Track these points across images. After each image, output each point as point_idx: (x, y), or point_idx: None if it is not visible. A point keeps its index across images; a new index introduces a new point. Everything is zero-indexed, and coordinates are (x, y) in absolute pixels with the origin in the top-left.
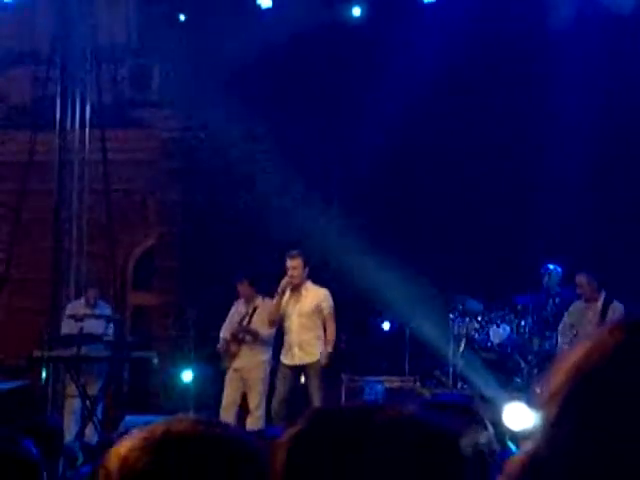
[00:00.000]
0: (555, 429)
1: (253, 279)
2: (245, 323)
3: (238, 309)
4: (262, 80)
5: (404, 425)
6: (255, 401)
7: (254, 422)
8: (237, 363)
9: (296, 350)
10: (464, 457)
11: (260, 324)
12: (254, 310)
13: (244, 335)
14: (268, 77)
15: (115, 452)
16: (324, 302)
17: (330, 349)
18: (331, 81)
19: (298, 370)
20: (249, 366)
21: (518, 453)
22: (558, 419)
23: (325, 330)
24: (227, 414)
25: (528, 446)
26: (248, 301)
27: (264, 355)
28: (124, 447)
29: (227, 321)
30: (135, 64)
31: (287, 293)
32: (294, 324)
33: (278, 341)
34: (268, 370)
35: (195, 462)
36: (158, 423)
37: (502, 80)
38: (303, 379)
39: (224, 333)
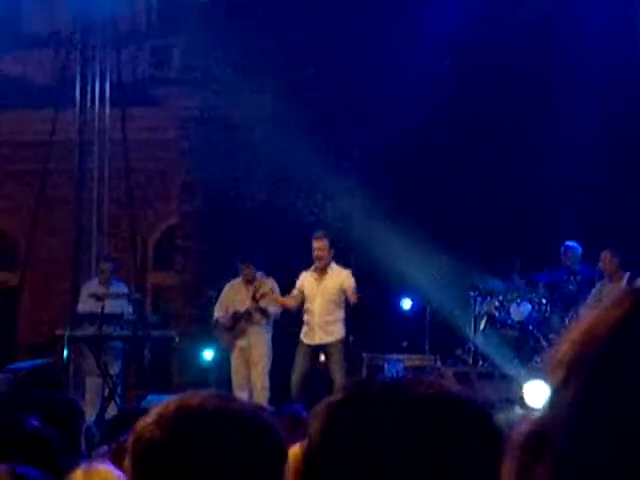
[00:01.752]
0: (560, 393)
1: (253, 260)
2: (255, 301)
3: (237, 289)
4: (281, 57)
5: (441, 398)
6: (260, 378)
7: (259, 399)
8: (243, 341)
9: (317, 330)
10: (499, 432)
11: (266, 302)
12: (256, 288)
13: (252, 313)
14: (287, 55)
15: (133, 430)
16: (346, 283)
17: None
18: (353, 56)
19: (318, 349)
20: (255, 343)
21: (524, 422)
22: (564, 383)
23: (346, 310)
24: (241, 393)
25: (534, 416)
26: (250, 281)
27: (268, 333)
28: (139, 424)
29: (221, 302)
30: (155, 43)
31: (309, 274)
32: (317, 305)
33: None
34: (271, 348)
35: (209, 435)
36: (172, 399)
37: (521, 54)
38: (323, 358)
39: (220, 312)
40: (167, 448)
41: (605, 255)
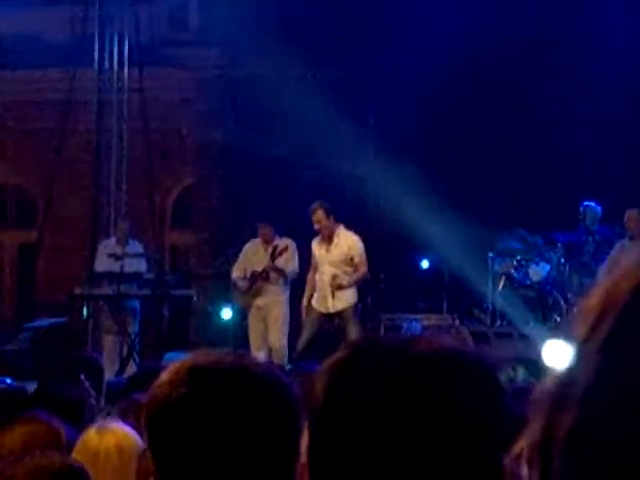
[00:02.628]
0: (584, 348)
1: (272, 221)
2: (272, 261)
3: (255, 249)
4: (301, 17)
5: (446, 354)
6: (277, 338)
7: (277, 358)
8: (260, 301)
9: (330, 299)
10: (503, 389)
11: (283, 263)
12: (275, 249)
13: (269, 273)
14: (307, 14)
15: (149, 390)
16: (354, 250)
17: (355, 282)
18: (372, 18)
19: (330, 317)
20: (272, 303)
21: (547, 378)
22: (587, 338)
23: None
24: (259, 353)
25: (556, 373)
26: (268, 242)
27: (285, 293)
28: (154, 384)
29: (240, 261)
30: (173, 2)
31: (317, 243)
32: (326, 273)
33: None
34: (288, 308)
35: (223, 393)
36: (186, 357)
37: (547, 19)
38: (337, 322)
39: (238, 272)
40: (181, 407)
41: (631, 213)
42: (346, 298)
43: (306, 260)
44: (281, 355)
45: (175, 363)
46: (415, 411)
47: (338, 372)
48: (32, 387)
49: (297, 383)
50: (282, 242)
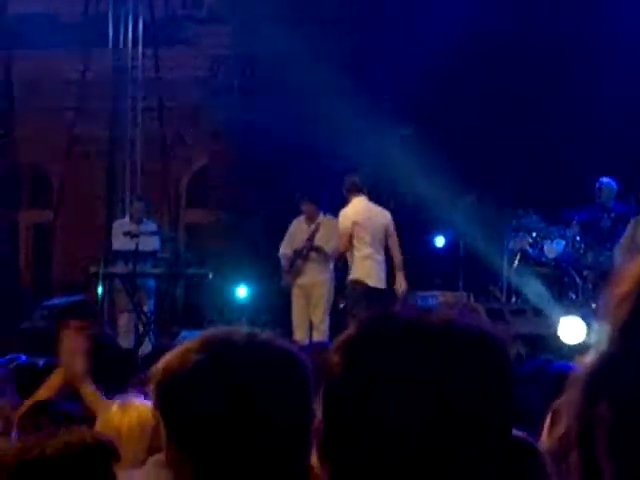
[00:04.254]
0: (627, 331)
1: (315, 198)
2: (310, 240)
3: (300, 227)
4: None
5: (456, 327)
6: (320, 316)
7: (318, 336)
8: (301, 280)
9: None
10: (510, 361)
11: (324, 241)
12: (317, 227)
13: (309, 252)
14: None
15: (159, 365)
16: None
17: None
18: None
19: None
20: (313, 282)
21: (581, 365)
22: (629, 321)
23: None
24: (300, 331)
25: (591, 356)
26: (311, 219)
27: (328, 272)
28: (169, 353)
29: (286, 238)
30: None
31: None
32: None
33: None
34: (332, 286)
35: (236, 362)
36: (199, 334)
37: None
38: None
39: (284, 250)
40: (195, 373)
41: None
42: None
43: None
44: (322, 333)
45: (189, 340)
46: (427, 383)
47: (352, 347)
48: (41, 362)
49: (311, 358)
50: (326, 220)
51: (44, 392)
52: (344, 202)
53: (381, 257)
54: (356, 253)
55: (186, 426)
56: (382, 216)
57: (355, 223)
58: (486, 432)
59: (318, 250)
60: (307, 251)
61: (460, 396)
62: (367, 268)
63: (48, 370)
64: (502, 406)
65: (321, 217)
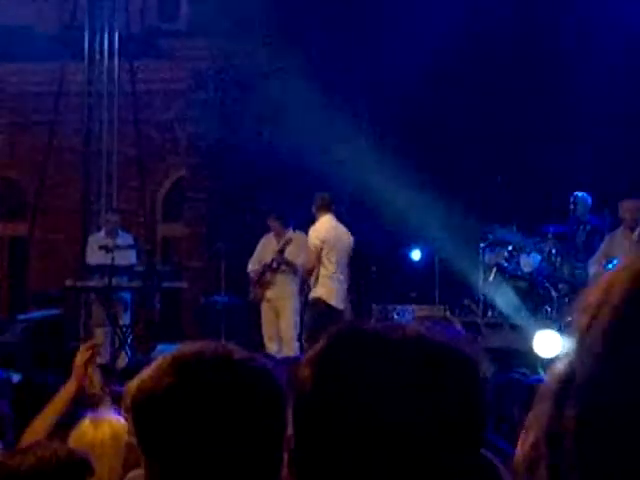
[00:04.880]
0: (584, 340)
1: (281, 215)
2: (281, 253)
3: (269, 242)
4: (292, 8)
5: (424, 339)
6: (289, 330)
7: (289, 350)
8: (270, 293)
9: None
10: (478, 373)
11: (294, 256)
12: (287, 242)
13: (279, 265)
14: (298, 5)
15: (132, 383)
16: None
17: None
18: (363, 6)
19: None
20: (282, 295)
21: (549, 374)
22: (587, 330)
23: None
24: (271, 344)
25: (558, 366)
26: (279, 235)
27: (295, 286)
28: (140, 375)
29: (255, 255)
30: None
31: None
32: None
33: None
34: (298, 300)
35: (207, 382)
36: (173, 350)
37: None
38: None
39: (252, 266)
40: (167, 397)
41: (628, 205)
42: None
43: None
44: (291, 346)
45: (161, 356)
46: (395, 395)
47: (321, 361)
48: (17, 378)
49: (285, 371)
50: (294, 235)
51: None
52: (313, 219)
53: (344, 277)
54: (322, 271)
55: (161, 446)
56: (347, 236)
57: (324, 241)
58: (454, 443)
59: (288, 264)
60: (277, 264)
61: (428, 407)
62: (330, 287)
63: (26, 386)
64: (470, 417)
65: (290, 233)
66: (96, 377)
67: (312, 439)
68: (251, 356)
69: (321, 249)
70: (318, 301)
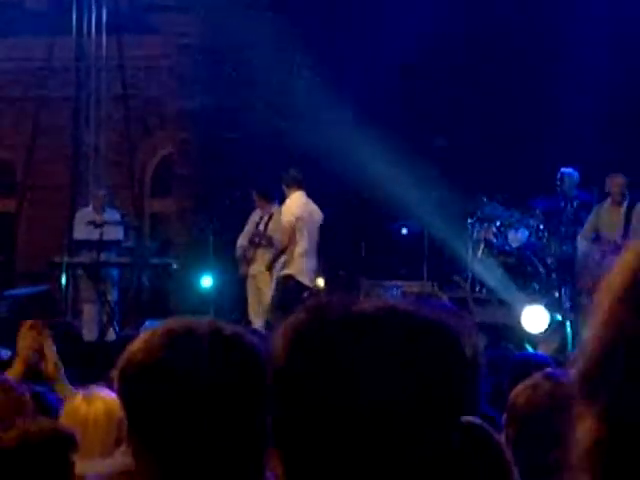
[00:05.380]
0: (605, 333)
1: (264, 190)
2: (261, 230)
3: (254, 217)
4: None
5: (401, 315)
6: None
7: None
8: (253, 269)
9: None
10: (458, 348)
11: (275, 231)
12: (270, 217)
13: (260, 241)
14: None
15: (122, 355)
16: None
17: None
18: None
19: None
20: (262, 271)
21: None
22: (607, 324)
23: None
24: (257, 320)
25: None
26: (264, 210)
27: (277, 262)
28: (129, 348)
29: (245, 230)
30: None
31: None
32: None
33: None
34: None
35: (195, 355)
36: (161, 324)
37: None
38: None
39: (241, 241)
40: (157, 369)
41: (617, 180)
42: None
43: None
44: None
45: (150, 329)
46: (375, 371)
47: (296, 333)
48: (7, 354)
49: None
50: (277, 210)
51: None
52: (282, 195)
53: (314, 254)
54: (294, 248)
55: (148, 419)
56: (318, 213)
57: (298, 218)
58: (430, 417)
59: (269, 239)
60: (259, 240)
61: (404, 380)
62: (301, 265)
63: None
64: (446, 391)
65: (274, 207)
66: (50, 352)
67: (288, 417)
68: (240, 331)
69: (294, 226)
70: (288, 278)
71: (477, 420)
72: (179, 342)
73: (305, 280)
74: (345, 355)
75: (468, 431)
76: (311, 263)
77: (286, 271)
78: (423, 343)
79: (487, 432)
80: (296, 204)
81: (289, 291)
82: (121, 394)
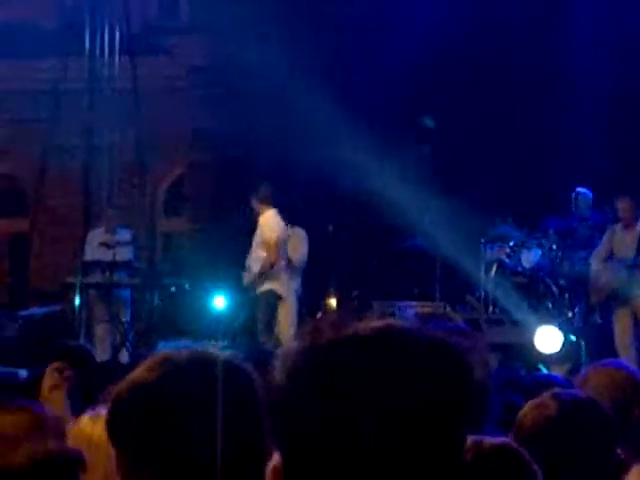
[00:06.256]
0: None
1: (279, 210)
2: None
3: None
4: (291, 3)
5: (392, 335)
6: (285, 326)
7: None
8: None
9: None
10: (460, 369)
11: (291, 252)
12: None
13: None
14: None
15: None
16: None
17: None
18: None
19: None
20: (282, 293)
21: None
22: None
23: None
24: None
25: None
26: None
27: (295, 282)
28: (133, 373)
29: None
30: None
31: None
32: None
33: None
34: (296, 296)
35: (187, 381)
36: (171, 348)
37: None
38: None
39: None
40: (153, 387)
41: (623, 203)
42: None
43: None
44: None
45: (156, 354)
46: (373, 395)
47: (288, 363)
48: (24, 374)
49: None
50: (292, 231)
51: None
52: (254, 212)
53: (298, 273)
54: (275, 265)
55: (133, 439)
56: (286, 229)
57: (278, 235)
58: (430, 439)
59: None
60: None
61: (402, 402)
62: (282, 280)
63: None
64: (448, 411)
65: (289, 229)
66: (60, 405)
67: (289, 437)
68: (239, 362)
69: (277, 242)
70: (270, 293)
71: (509, 442)
72: (172, 366)
73: (285, 294)
74: (336, 378)
75: (500, 454)
76: (289, 278)
77: (270, 286)
78: (419, 362)
79: (520, 455)
80: (274, 221)
81: (271, 305)
82: (109, 412)
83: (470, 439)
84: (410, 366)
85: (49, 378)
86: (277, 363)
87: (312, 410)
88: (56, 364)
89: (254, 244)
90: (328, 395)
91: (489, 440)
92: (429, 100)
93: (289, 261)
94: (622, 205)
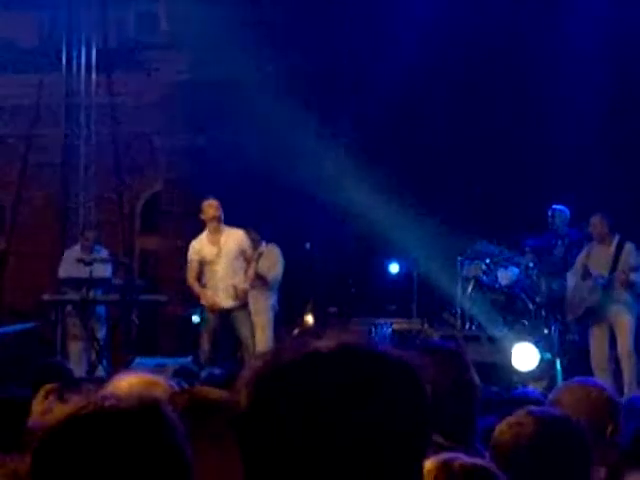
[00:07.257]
0: None
1: (254, 227)
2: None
3: None
4: (272, 17)
5: (351, 353)
6: (264, 344)
7: None
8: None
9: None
10: (418, 386)
11: (266, 269)
12: (259, 255)
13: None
14: (278, 14)
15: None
16: (245, 243)
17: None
18: (348, 15)
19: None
20: (256, 310)
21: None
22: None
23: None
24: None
25: None
26: (254, 248)
27: (271, 299)
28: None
29: None
30: (141, 6)
31: (204, 239)
32: (220, 268)
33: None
34: (272, 314)
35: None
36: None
37: (521, 15)
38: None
39: None
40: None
41: (595, 219)
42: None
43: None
44: None
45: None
46: (338, 414)
47: (250, 382)
48: None
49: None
50: (267, 248)
51: None
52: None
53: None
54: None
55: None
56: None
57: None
58: (392, 456)
59: (260, 277)
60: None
61: (358, 415)
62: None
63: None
64: (403, 425)
65: (262, 246)
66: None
67: (254, 457)
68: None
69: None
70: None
71: (480, 462)
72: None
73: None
74: (296, 396)
75: (470, 474)
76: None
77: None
78: (376, 378)
79: (490, 475)
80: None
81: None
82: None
83: (441, 459)
84: (366, 383)
85: (41, 403)
86: (239, 385)
87: (274, 430)
88: (49, 386)
89: (223, 256)
90: (290, 415)
91: (459, 460)
92: (409, 114)
93: (263, 278)
94: (593, 221)
